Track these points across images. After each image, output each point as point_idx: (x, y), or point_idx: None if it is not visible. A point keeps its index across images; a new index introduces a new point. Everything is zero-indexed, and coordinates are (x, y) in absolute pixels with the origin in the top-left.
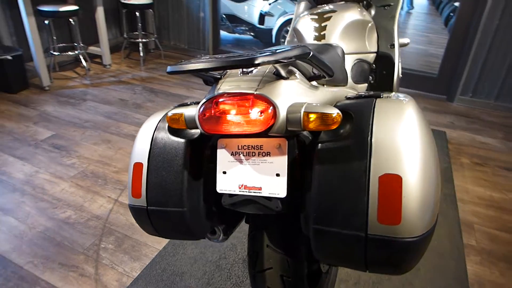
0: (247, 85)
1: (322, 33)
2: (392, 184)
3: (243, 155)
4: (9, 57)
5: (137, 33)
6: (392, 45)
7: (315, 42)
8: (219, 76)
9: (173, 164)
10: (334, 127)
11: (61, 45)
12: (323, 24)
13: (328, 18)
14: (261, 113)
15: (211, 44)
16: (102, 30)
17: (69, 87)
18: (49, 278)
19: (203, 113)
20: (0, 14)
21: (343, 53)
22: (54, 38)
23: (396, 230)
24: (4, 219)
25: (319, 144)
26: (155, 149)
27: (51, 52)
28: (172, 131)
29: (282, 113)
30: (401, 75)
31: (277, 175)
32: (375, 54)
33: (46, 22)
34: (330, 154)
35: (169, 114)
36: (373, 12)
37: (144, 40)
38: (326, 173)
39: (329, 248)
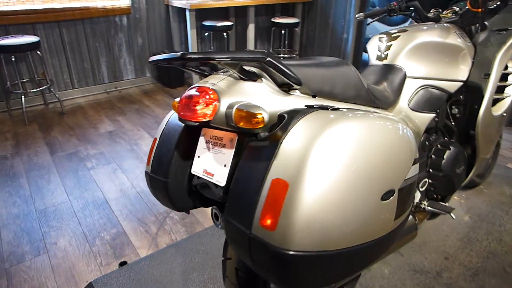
0: (213, 81)
1: (385, 53)
2: (279, 189)
3: (211, 144)
4: None
5: (283, 49)
6: (487, 75)
7: (377, 62)
8: (208, 74)
9: (170, 143)
10: (258, 126)
11: None
12: (388, 44)
13: (396, 38)
14: (206, 105)
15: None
16: (250, 43)
17: None
18: (125, 225)
19: (180, 101)
20: (176, 26)
21: (404, 76)
22: (212, 48)
23: (270, 236)
24: (120, 176)
25: (249, 142)
26: (165, 128)
27: None
28: None
29: (223, 108)
30: (504, 114)
31: (224, 165)
32: (461, 84)
33: (206, 34)
34: (250, 152)
35: (173, 101)
36: (482, 37)
37: (285, 55)
38: (241, 169)
39: (231, 239)
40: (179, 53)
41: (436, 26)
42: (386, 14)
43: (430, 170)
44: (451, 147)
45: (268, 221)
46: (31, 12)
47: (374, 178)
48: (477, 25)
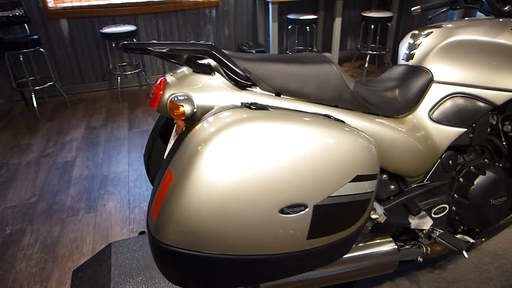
0: (172, 73)
1: (412, 52)
2: (167, 180)
3: (175, 132)
4: (253, 51)
5: (372, 45)
6: None
7: (404, 62)
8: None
9: (155, 130)
10: (181, 118)
11: (300, 47)
12: (417, 42)
13: (427, 35)
14: (155, 94)
15: None
16: (335, 38)
17: None
18: None
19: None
20: (261, 19)
21: (428, 80)
22: (296, 41)
23: (152, 225)
24: None
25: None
26: (158, 118)
27: (287, 52)
28: None
29: (164, 99)
30: None
31: None
32: None
33: (290, 27)
34: (173, 143)
35: None
36: None
37: (373, 52)
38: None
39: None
40: (121, 44)
41: (485, 21)
42: (448, 7)
43: (455, 195)
44: (487, 172)
45: (154, 211)
46: (133, 4)
47: (272, 188)
48: None
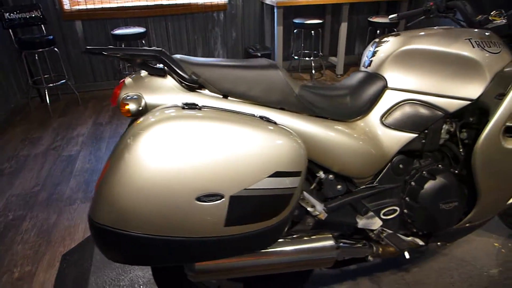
0: (132, 75)
1: (371, 59)
2: (105, 167)
3: None
4: (259, 54)
5: None
6: (500, 95)
7: (363, 69)
8: None
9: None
10: (127, 115)
11: (306, 51)
12: (376, 49)
13: (385, 43)
14: (115, 94)
15: None
16: (341, 43)
17: None
18: None
19: None
20: (268, 22)
21: (382, 87)
22: (302, 45)
23: (90, 206)
24: None
25: None
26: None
27: (293, 55)
28: None
29: (120, 97)
30: None
31: None
32: (466, 103)
33: (295, 31)
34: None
35: None
36: None
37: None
38: None
39: None
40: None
41: (443, 30)
42: (423, 16)
43: (407, 198)
44: (438, 177)
45: (93, 192)
46: (143, 7)
47: (190, 178)
48: None
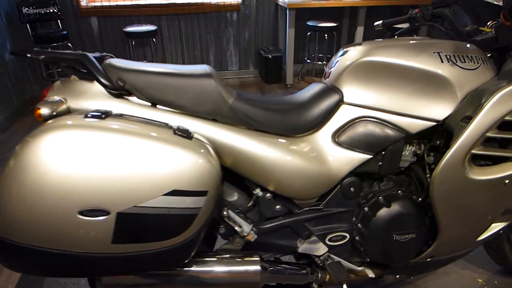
0: (63, 79)
1: (330, 70)
2: None
3: None
4: (270, 56)
5: None
6: (467, 118)
7: (323, 80)
8: None
9: None
10: (38, 119)
11: (320, 55)
12: (336, 60)
13: (345, 53)
14: (43, 96)
15: None
16: None
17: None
18: None
19: None
20: (282, 24)
21: (337, 101)
22: (316, 48)
23: None
24: None
25: None
26: None
27: (306, 59)
28: None
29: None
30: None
31: None
32: (432, 124)
33: (308, 34)
34: None
35: None
36: (510, 65)
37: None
38: None
39: None
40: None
41: (411, 41)
42: (409, 24)
43: (359, 224)
44: (393, 205)
45: None
46: (157, 6)
47: (73, 190)
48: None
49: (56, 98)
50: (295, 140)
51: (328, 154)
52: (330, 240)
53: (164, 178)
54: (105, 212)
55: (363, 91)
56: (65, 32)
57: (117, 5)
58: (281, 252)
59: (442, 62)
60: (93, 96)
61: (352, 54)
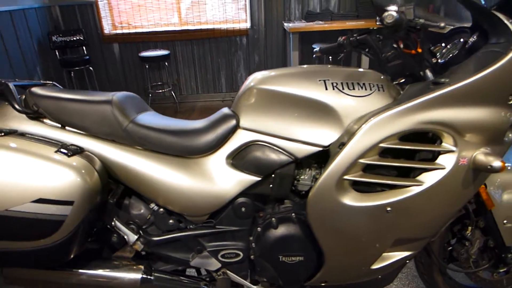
0: None
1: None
2: None
3: None
4: None
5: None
6: (342, 145)
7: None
8: None
9: None
10: None
11: None
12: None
13: (247, 80)
14: None
15: None
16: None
17: None
18: None
19: None
20: (290, 47)
21: (233, 126)
22: None
23: None
24: None
25: None
26: None
27: None
28: None
29: None
30: (389, 209)
31: None
32: (317, 149)
33: (314, 56)
34: None
35: None
36: (409, 91)
37: None
38: None
39: None
40: None
41: (302, 69)
42: (338, 51)
43: (253, 244)
44: (280, 226)
45: None
46: (171, 32)
47: None
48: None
49: None
50: (189, 161)
51: (220, 175)
52: (223, 256)
53: (31, 188)
54: None
55: (256, 117)
56: (88, 57)
57: (135, 32)
58: (176, 265)
59: (326, 89)
60: (12, 118)
61: (248, 81)
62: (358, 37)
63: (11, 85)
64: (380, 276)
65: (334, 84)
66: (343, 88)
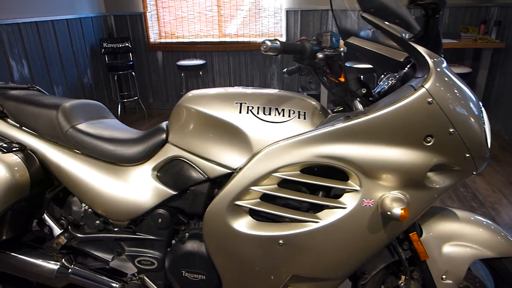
0: None
1: None
2: None
3: None
4: (313, 92)
5: None
6: (239, 170)
7: None
8: None
9: None
10: None
11: None
12: None
13: None
14: None
15: None
16: None
17: None
18: None
19: None
20: None
21: (162, 140)
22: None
23: None
24: None
25: None
26: None
27: None
28: None
29: None
30: (281, 241)
31: None
32: (228, 171)
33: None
34: None
35: None
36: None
37: None
38: None
39: None
40: None
41: (222, 91)
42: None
43: (168, 254)
44: (187, 242)
45: None
46: (209, 43)
47: None
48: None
49: None
50: (120, 168)
51: (143, 185)
52: (139, 262)
53: None
54: None
55: (181, 134)
56: (132, 63)
57: (177, 41)
58: (98, 263)
59: (240, 112)
60: None
61: (181, 98)
62: (307, 65)
63: None
64: None
65: (250, 108)
66: (258, 113)
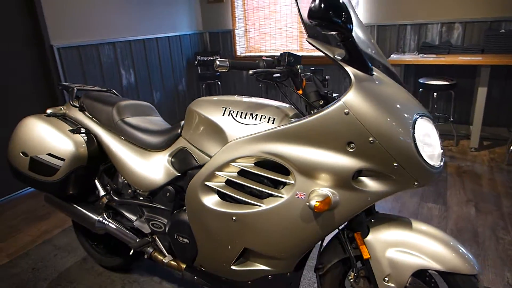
0: None
1: None
2: None
3: None
4: None
5: None
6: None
7: None
8: None
9: None
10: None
11: (438, 114)
12: None
13: None
14: None
15: None
16: (477, 111)
17: None
18: None
19: None
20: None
21: (178, 134)
22: (435, 106)
23: None
24: None
25: None
26: None
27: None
28: None
29: None
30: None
31: None
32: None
33: (420, 90)
34: None
35: None
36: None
37: None
38: None
39: None
40: None
41: (220, 99)
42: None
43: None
44: (182, 213)
45: None
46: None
47: None
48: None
49: (59, 108)
50: (148, 153)
51: (160, 167)
52: (152, 225)
53: (48, 146)
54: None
55: (188, 129)
56: (218, 73)
57: (259, 55)
58: (126, 222)
59: (223, 115)
60: (70, 108)
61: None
62: (278, 75)
63: (75, 89)
64: (250, 282)
65: (231, 112)
66: (236, 116)
